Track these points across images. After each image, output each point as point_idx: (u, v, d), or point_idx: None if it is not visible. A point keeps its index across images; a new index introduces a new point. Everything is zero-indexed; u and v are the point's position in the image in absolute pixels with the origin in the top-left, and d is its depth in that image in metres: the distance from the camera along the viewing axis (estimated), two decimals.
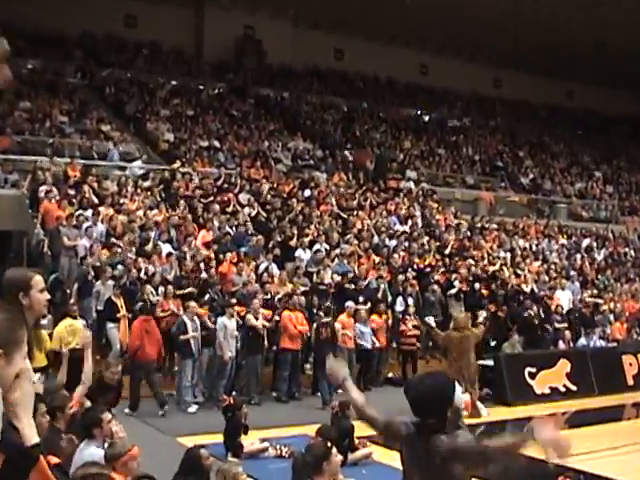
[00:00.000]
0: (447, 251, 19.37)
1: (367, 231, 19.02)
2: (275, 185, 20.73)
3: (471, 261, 18.62)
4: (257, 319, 13.50)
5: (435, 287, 16.93)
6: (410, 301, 16.38)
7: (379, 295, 16.05)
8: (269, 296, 14.50)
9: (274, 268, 15.92)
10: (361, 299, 15.67)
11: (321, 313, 14.19)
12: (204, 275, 14.80)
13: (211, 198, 18.46)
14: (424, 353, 16.61)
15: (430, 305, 16.74)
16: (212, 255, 15.87)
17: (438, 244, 19.81)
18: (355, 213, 20.31)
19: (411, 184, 24.50)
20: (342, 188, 21.93)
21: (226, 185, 19.75)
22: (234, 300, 13.81)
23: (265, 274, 15.28)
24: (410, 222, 20.83)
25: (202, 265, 15.19)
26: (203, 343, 13.11)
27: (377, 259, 17.64)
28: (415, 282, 16.94)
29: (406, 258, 18.05)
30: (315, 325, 13.90)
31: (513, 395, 14.23)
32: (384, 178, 24.47)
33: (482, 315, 14.01)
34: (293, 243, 17.27)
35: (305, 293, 14.79)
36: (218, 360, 13.09)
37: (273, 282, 15.22)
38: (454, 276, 17.51)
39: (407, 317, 15.90)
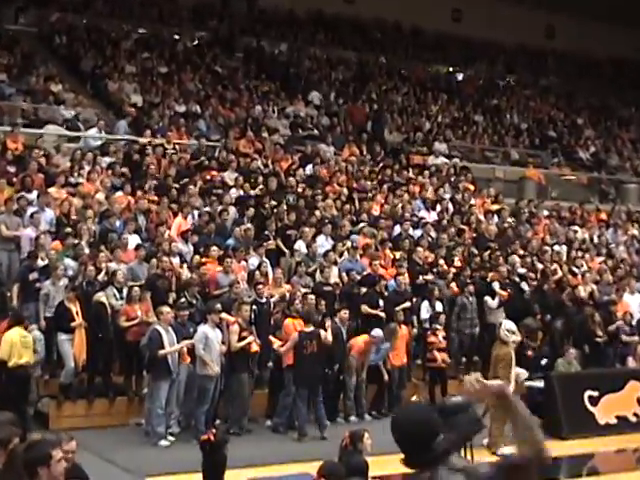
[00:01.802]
0: (486, 244, 19.35)
1: (385, 219, 19.02)
2: (270, 161, 20.71)
3: (515, 257, 18.60)
4: (243, 336, 13.48)
5: (471, 289, 16.94)
6: (439, 306, 16.39)
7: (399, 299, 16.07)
8: (264, 300, 14.53)
9: (268, 265, 15.94)
10: (381, 303, 15.69)
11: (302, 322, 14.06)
12: (181, 274, 14.82)
13: (189, 177, 18.46)
14: (456, 371, 16.63)
15: (464, 311, 16.76)
16: (191, 248, 15.88)
17: (474, 235, 19.79)
18: (370, 196, 20.31)
19: (440, 160, 24.45)
20: (354, 164, 21.93)
21: (207, 162, 19.74)
22: (219, 305, 13.80)
23: (257, 273, 15.29)
24: (439, 207, 20.82)
25: (178, 261, 15.20)
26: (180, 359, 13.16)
27: (397, 254, 17.65)
28: (452, 284, 16.99)
29: (433, 253, 18.06)
30: (297, 336, 13.77)
31: (569, 426, 14.23)
32: (384, 141, 24.44)
33: (507, 325, 13.67)
34: (292, 234, 17.28)
35: (306, 296, 14.81)
36: (199, 380, 13.13)
37: (267, 282, 15.24)
38: (491, 275, 17.51)
39: (435, 326, 15.92)
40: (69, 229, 15.15)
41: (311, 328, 13.76)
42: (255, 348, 13.76)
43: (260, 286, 14.68)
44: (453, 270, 17.59)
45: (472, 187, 23.12)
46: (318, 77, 28.21)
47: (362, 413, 14.67)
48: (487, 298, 17.08)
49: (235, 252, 15.76)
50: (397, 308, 15.57)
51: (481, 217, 20.94)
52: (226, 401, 13.67)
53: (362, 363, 14.73)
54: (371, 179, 21.30)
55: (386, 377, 15.00)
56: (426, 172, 22.86)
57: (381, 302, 15.84)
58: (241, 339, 13.49)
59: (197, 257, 15.44)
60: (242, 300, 14.01)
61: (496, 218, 21.19)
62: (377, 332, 14.84)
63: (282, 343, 13.88)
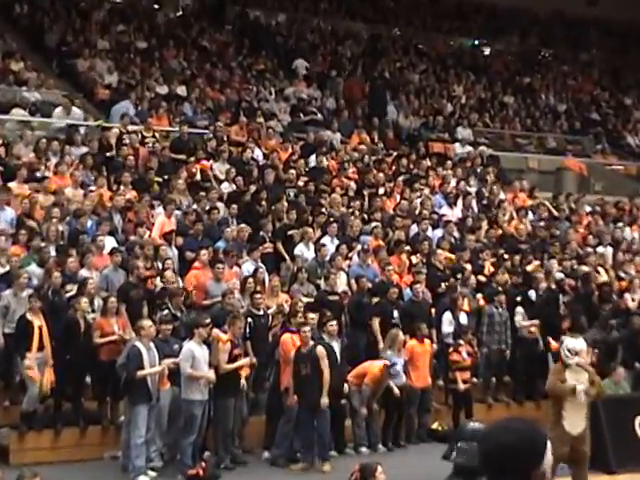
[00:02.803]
0: (517, 246, 19.32)
1: (401, 217, 18.99)
2: (266, 150, 20.70)
3: (553, 261, 18.58)
4: (235, 356, 13.41)
5: (501, 298, 16.88)
6: (463, 318, 16.34)
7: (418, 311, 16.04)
8: (260, 312, 14.48)
9: (264, 272, 15.91)
10: (396, 314, 15.64)
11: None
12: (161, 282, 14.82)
13: (173, 170, 18.43)
14: (484, 394, 16.57)
15: (493, 325, 16.71)
16: (175, 252, 15.85)
17: (504, 236, 19.75)
18: (383, 191, 20.27)
19: (465, 148, 24.41)
20: (364, 154, 21.90)
21: (193, 152, 19.71)
22: (208, 319, 13.73)
23: (250, 280, 15.26)
24: (462, 203, 20.79)
25: (160, 266, 15.17)
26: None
27: (415, 258, 17.62)
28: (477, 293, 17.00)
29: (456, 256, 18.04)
30: (293, 355, 13.71)
31: (618, 458, 14.12)
32: (398, 126, 24.44)
33: (570, 344, 13.56)
34: (292, 235, 17.26)
35: (308, 307, 14.76)
36: (185, 406, 13.07)
37: (263, 291, 15.21)
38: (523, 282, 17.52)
39: (458, 342, 15.89)
40: (33, 230, 15.12)
41: (311, 344, 13.68)
42: (245, 372, 13.68)
43: (258, 295, 14.63)
44: (480, 277, 17.55)
45: (501, 179, 23.10)
46: (322, 53, 28.20)
47: (375, 443, 14.60)
48: (519, 311, 17.00)
49: (227, 256, 15.74)
50: (421, 324, 15.48)
51: (513, 214, 20.91)
52: (215, 430, 13.60)
53: (375, 393, 14.67)
54: (384, 171, 21.26)
55: (397, 391, 14.86)
56: (448, 162, 22.86)
57: (396, 313, 15.79)
58: (232, 359, 13.40)
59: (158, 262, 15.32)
60: (237, 313, 13.94)
61: (530, 215, 21.16)
62: (395, 371, 14.79)
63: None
